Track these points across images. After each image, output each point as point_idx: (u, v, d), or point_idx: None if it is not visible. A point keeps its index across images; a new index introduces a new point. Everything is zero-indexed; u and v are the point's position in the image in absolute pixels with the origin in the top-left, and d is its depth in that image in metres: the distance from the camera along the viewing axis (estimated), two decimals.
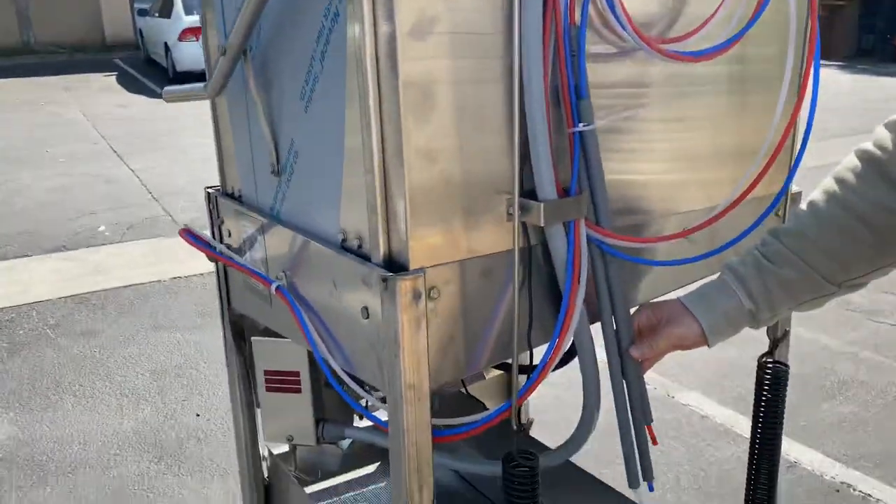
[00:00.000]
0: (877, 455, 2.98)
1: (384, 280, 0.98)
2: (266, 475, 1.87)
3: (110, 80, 15.11)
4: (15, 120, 11.26)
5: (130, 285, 5.01)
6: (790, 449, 3.03)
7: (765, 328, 1.38)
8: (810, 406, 3.38)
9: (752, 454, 1.40)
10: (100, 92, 13.73)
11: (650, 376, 3.74)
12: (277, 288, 1.31)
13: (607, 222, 1.10)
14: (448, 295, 1.04)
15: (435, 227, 1.01)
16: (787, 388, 1.36)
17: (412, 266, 1.00)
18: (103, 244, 5.92)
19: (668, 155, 1.25)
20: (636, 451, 1.23)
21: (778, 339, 1.37)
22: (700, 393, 3.50)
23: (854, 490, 2.76)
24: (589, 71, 1.06)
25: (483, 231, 1.05)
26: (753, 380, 3.57)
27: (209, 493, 2.81)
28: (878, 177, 1.07)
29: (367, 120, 0.97)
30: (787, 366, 1.34)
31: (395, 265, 1.01)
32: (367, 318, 1.06)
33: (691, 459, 2.98)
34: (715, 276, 1.21)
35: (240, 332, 1.73)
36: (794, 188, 1.42)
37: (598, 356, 1.17)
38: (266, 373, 1.56)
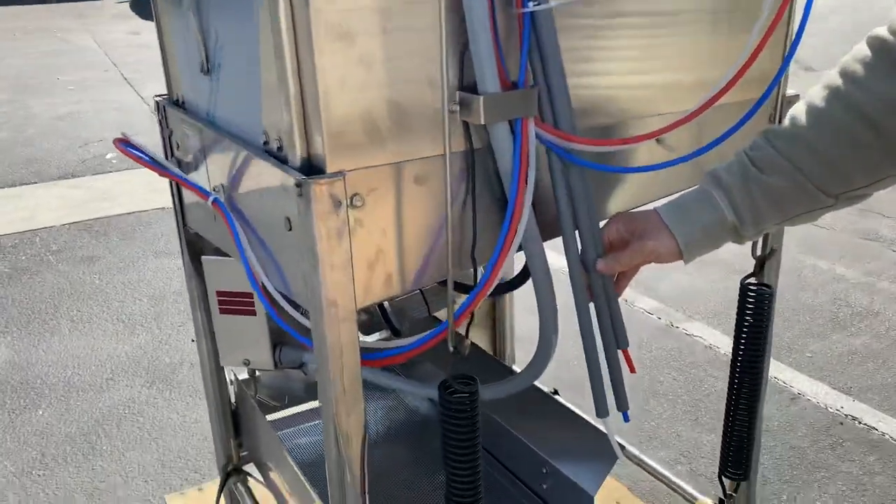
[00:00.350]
0: (886, 387, 2.87)
1: (298, 185, 0.87)
2: (233, 400, 1.81)
3: (123, 6, 14.84)
4: (27, 47, 11.13)
5: (134, 212, 4.96)
6: (795, 380, 2.93)
7: (750, 245, 1.25)
8: (820, 337, 3.25)
9: (731, 381, 1.29)
10: (112, 19, 13.51)
11: (654, 306, 3.64)
12: (214, 200, 1.21)
13: (567, 123, 0.97)
14: (374, 203, 0.92)
15: (357, 124, 0.88)
16: (772, 311, 1.24)
17: (329, 169, 0.88)
18: (110, 171, 5.86)
19: (643, 52, 1.10)
20: (603, 379, 1.13)
21: (764, 258, 1.24)
22: (704, 323, 3.39)
23: (859, 423, 2.66)
24: None
25: (416, 131, 0.93)
26: None
27: (197, 417, 2.79)
28: (893, 68, 0.91)
29: None
30: (770, 287, 1.22)
31: (312, 169, 0.90)
32: (290, 229, 0.95)
33: (690, 390, 2.89)
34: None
35: (197, 253, 1.64)
36: (790, 91, 1.27)
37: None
38: (218, 294, 1.48)
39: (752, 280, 1.22)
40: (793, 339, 3.25)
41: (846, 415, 2.71)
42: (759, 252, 1.23)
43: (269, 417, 1.79)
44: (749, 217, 1.02)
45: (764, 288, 1.21)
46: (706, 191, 1.05)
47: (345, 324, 0.93)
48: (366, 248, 0.93)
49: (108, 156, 6.26)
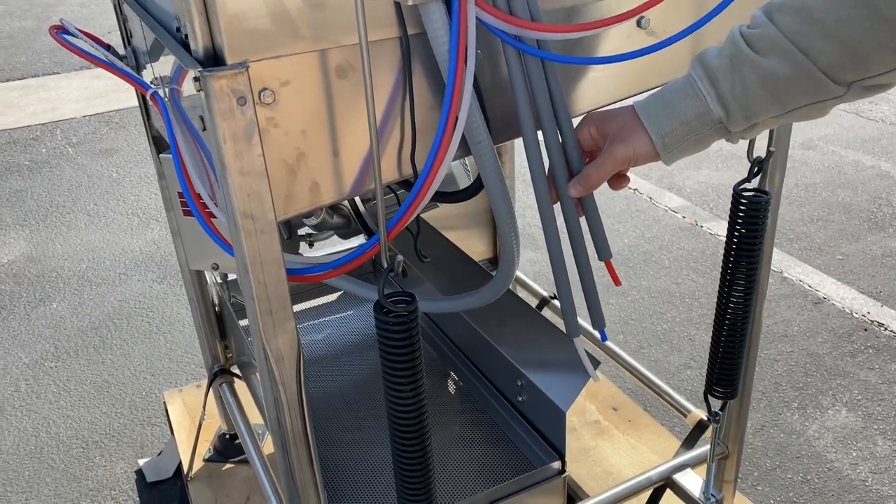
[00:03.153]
0: None
1: (196, 80, 0.76)
2: (216, 302, 1.77)
3: None
4: None
5: None
6: (822, 284, 2.79)
7: (745, 146, 1.10)
8: (852, 239, 3.08)
9: (720, 296, 1.18)
10: None
11: (680, 204, 3.46)
12: (152, 94, 1.10)
13: (521, 6, 0.83)
14: (289, 99, 0.81)
15: (261, 4, 0.76)
16: (767, 221, 1.10)
17: (230, 59, 0.77)
18: None
19: None
20: (581, 296, 1.03)
21: (761, 160, 1.10)
22: None
23: (885, 329, 2.53)
24: None
25: (335, 12, 0.80)
26: (797, 210, 3.26)
27: None
28: None
29: None
30: (767, 194, 1.08)
31: (215, 60, 0.78)
32: (204, 129, 0.85)
33: (709, 293, 2.78)
34: None
35: (162, 151, 1.56)
36: None
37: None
38: (179, 195, 1.40)
39: (747, 185, 1.08)
40: (825, 240, 3.08)
41: (871, 320, 2.58)
42: (755, 153, 1.08)
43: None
44: (738, 109, 0.86)
45: (760, 195, 1.07)
46: (689, 77, 0.89)
47: (263, 236, 0.83)
48: (283, 151, 0.83)
49: None
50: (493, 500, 1.21)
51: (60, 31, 1.24)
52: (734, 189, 1.09)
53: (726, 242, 1.13)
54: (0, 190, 3.84)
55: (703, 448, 1.50)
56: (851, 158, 3.77)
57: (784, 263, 2.93)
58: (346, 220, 1.53)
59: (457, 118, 0.83)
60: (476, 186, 1.06)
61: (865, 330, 2.54)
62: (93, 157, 4.17)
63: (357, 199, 1.51)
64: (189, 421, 2.03)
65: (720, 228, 3.19)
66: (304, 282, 0.94)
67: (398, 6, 0.82)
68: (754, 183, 1.12)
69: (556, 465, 1.25)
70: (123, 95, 5.05)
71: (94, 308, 2.86)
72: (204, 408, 1.88)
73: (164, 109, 1.06)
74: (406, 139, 0.90)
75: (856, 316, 2.61)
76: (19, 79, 5.55)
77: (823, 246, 3.04)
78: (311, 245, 1.69)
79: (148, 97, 1.11)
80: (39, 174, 4.00)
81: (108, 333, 2.71)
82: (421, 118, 0.89)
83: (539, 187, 0.97)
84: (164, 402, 2.10)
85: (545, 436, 1.31)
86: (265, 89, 0.79)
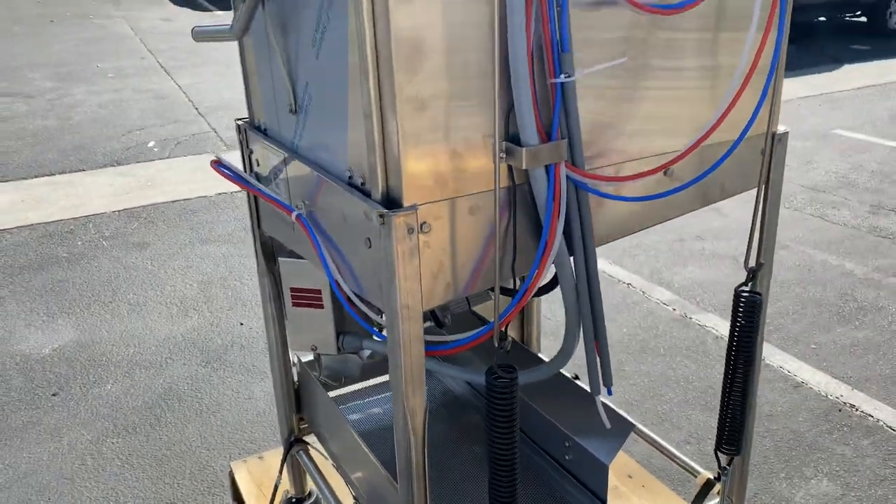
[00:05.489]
0: (884, 378, 3.09)
1: (381, 216, 1.12)
2: (296, 380, 2.08)
3: None
4: (67, 34, 11.47)
5: (178, 200, 5.26)
6: (799, 370, 3.16)
7: (743, 261, 1.49)
8: (825, 330, 3.47)
9: (726, 373, 1.53)
10: (147, 5, 13.82)
11: (669, 297, 3.84)
12: (297, 216, 1.46)
13: (582, 163, 1.22)
14: (438, 229, 1.17)
15: (426, 169, 1.14)
16: (761, 316, 1.47)
17: (406, 203, 1.13)
18: (153, 160, 6.17)
19: (647, 101, 1.34)
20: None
21: (755, 269, 1.48)
22: (718, 315, 3.62)
23: (856, 410, 2.89)
24: (574, 21, 1.15)
25: (471, 172, 1.18)
26: (774, 305, 3.68)
27: (249, 394, 3.08)
28: None
29: (364, 69, 1.09)
30: (760, 295, 1.46)
31: (391, 202, 1.15)
32: (370, 247, 1.21)
33: (701, 377, 3.13)
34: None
35: (270, 254, 1.90)
36: (780, 128, 1.50)
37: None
38: (292, 290, 1.74)
39: (745, 288, 1.46)
40: (800, 331, 3.47)
41: (845, 402, 2.94)
42: (751, 264, 1.46)
43: (332, 394, 2.06)
44: None
45: (755, 295, 1.44)
46: None
47: (413, 322, 1.19)
48: (431, 263, 1.19)
49: (150, 144, 6.56)
50: None
51: (218, 164, 1.61)
52: (735, 291, 1.47)
53: (729, 333, 1.50)
54: (43, 280, 4.14)
55: (713, 502, 1.82)
56: (819, 258, 4.22)
57: (766, 351, 3.30)
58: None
59: (552, 246, 1.20)
60: (551, 285, 1.42)
61: (840, 410, 2.90)
62: (127, 250, 4.50)
63: None
64: (256, 488, 2.30)
65: (707, 320, 3.57)
66: (437, 355, 1.28)
67: (509, 167, 1.20)
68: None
69: None
70: (149, 192, 5.43)
71: (145, 389, 3.13)
72: (281, 472, 2.16)
73: (311, 229, 1.43)
74: (507, 255, 1.26)
75: (830, 398, 2.97)
76: (48, 175, 5.91)
77: (799, 336, 3.43)
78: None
79: (293, 218, 1.48)
80: (78, 265, 4.32)
81: (162, 412, 2.98)
82: (520, 240, 1.26)
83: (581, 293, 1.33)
84: (231, 472, 2.37)
85: (590, 487, 1.63)
86: (425, 223, 1.16)
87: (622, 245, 4.41)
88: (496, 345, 1.20)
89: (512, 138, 1.18)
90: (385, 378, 2.32)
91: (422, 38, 1.07)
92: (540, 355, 2.30)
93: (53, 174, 5.93)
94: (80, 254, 4.47)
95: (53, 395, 3.13)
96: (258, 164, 1.73)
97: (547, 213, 1.19)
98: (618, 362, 3.25)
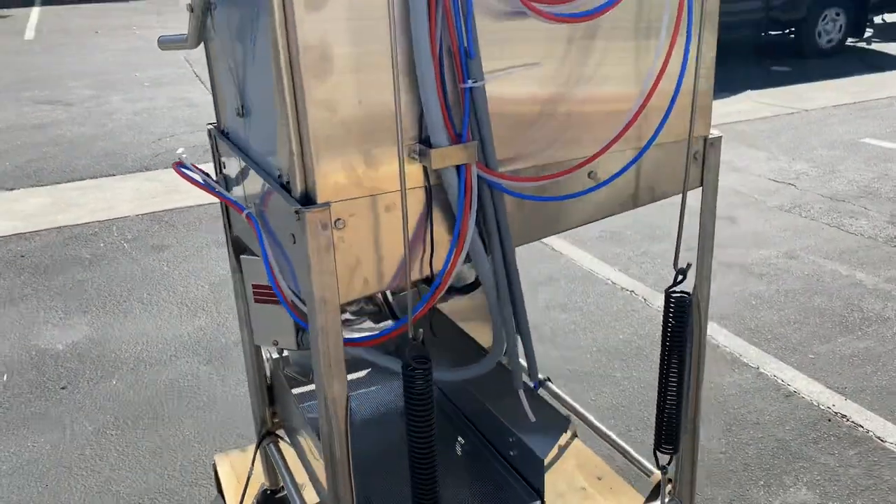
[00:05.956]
0: (880, 389, 3.04)
1: (297, 213, 1.19)
2: (268, 376, 2.16)
3: None
4: (109, 44, 11.88)
5: (200, 205, 5.42)
6: (794, 379, 3.13)
7: (672, 262, 1.51)
8: (825, 340, 3.43)
9: (660, 373, 1.56)
10: (187, 16, 14.20)
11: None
12: (247, 214, 1.54)
13: (495, 164, 1.27)
14: (354, 226, 1.24)
15: (339, 168, 1.20)
16: (692, 316, 1.50)
17: (319, 200, 1.20)
18: None
19: (568, 104, 1.38)
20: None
21: (683, 270, 1.51)
22: (717, 324, 3.60)
23: (846, 420, 2.85)
24: (490, 26, 1.20)
25: (385, 172, 1.24)
26: (776, 314, 3.66)
27: (244, 392, 3.17)
28: None
29: (279, 75, 1.16)
30: (689, 294, 1.48)
31: (308, 200, 1.22)
32: (294, 243, 1.28)
33: None
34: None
35: (240, 252, 1.99)
36: (714, 133, 1.52)
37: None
38: (254, 286, 1.82)
39: (675, 289, 1.49)
40: (800, 340, 3.43)
41: (836, 412, 2.90)
42: (679, 265, 1.49)
43: (298, 390, 2.14)
44: None
45: (684, 295, 1.47)
46: None
47: (330, 314, 1.25)
48: (347, 259, 1.25)
49: (179, 150, 6.76)
50: None
51: (180, 165, 1.70)
52: (665, 292, 1.50)
53: (662, 332, 1.52)
54: (64, 280, 4.31)
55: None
56: (830, 268, 4.16)
57: (761, 360, 3.28)
58: (378, 308, 1.94)
59: (463, 243, 1.25)
60: (474, 284, 1.48)
61: (829, 420, 2.86)
62: (145, 252, 4.66)
63: (388, 293, 1.93)
64: (235, 480, 2.38)
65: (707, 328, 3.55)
66: (352, 347, 1.34)
67: (424, 168, 1.26)
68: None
69: (537, 503, 1.60)
70: (175, 197, 5.60)
71: (148, 385, 3.25)
72: (252, 463, 2.24)
73: (258, 227, 1.50)
74: (426, 252, 1.32)
75: (822, 408, 2.94)
76: (79, 179, 6.14)
77: (798, 346, 3.39)
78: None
79: (244, 216, 1.55)
80: (99, 266, 4.49)
81: (162, 407, 3.09)
82: (436, 237, 1.31)
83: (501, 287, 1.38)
84: (214, 464, 2.46)
85: (529, 481, 1.67)
86: (339, 219, 1.22)
87: (630, 253, 4.41)
88: (410, 337, 1.25)
89: (425, 140, 1.24)
90: (355, 374, 2.39)
91: (328, 44, 1.14)
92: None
93: (84, 178, 6.15)
94: (102, 255, 4.64)
95: (62, 388, 3.27)
96: (224, 167, 1.81)
97: (459, 212, 1.24)
98: (609, 368, 3.26)
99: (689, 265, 1.52)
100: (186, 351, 3.52)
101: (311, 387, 2.25)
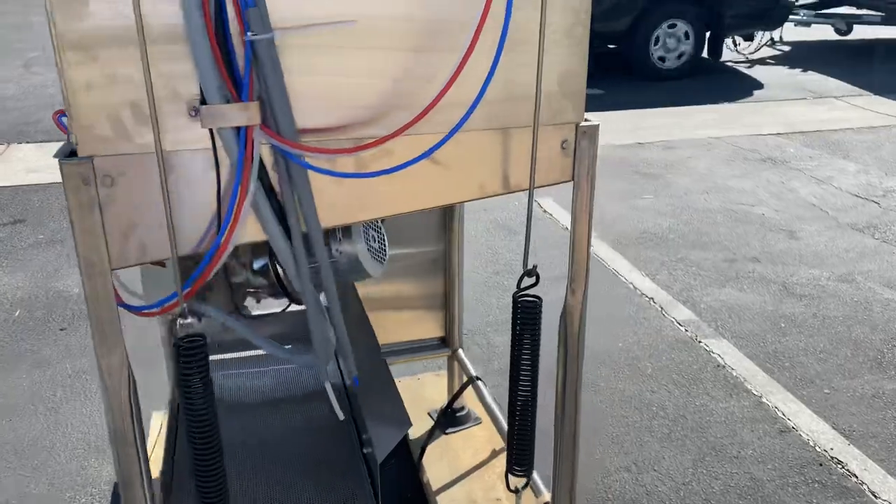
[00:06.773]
0: (893, 437, 2.68)
1: (60, 165, 1.11)
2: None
3: None
4: None
5: None
6: (796, 413, 2.81)
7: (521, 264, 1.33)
8: (849, 375, 3.06)
9: (510, 389, 1.39)
10: None
11: (687, 317, 3.54)
12: None
13: (289, 131, 1.14)
14: (126, 184, 1.15)
15: (103, 121, 1.11)
16: (541, 319, 1.32)
17: (80, 154, 1.12)
18: None
19: (369, 71, 1.22)
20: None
21: (531, 271, 1.32)
22: (732, 343, 3.29)
23: (841, 467, 2.53)
24: None
25: (162, 129, 1.13)
26: (804, 340, 3.32)
27: None
28: None
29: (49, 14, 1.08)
30: (538, 299, 1.30)
31: (73, 153, 1.14)
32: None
33: (678, 406, 2.86)
34: None
35: None
36: (589, 120, 1.33)
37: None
38: None
39: (523, 293, 1.30)
40: (819, 372, 3.08)
41: (831, 457, 2.58)
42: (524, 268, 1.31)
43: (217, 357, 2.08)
44: None
45: (529, 299, 1.29)
46: None
47: (100, 279, 1.17)
48: (119, 221, 1.16)
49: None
50: None
51: (61, 115, 1.66)
52: (513, 296, 1.32)
53: (511, 341, 1.35)
54: None
55: None
56: (884, 297, 3.72)
57: (766, 388, 2.97)
58: (269, 282, 1.85)
59: (240, 212, 1.14)
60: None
61: (821, 465, 2.54)
62: None
63: (280, 269, 1.83)
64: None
65: (717, 347, 3.26)
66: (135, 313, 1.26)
67: (211, 131, 1.15)
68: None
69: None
70: None
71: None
72: (159, 433, 2.22)
73: None
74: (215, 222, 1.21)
75: (817, 449, 2.62)
76: None
77: (815, 378, 3.04)
78: (258, 301, 2.01)
79: None
80: None
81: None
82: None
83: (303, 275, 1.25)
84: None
85: (374, 481, 1.54)
86: (107, 175, 1.13)
87: (664, 258, 4.11)
88: (178, 316, 1.16)
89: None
90: (259, 352, 2.31)
91: None
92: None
93: None
94: None
95: (61, 329, 3.39)
96: None
97: (237, 178, 1.13)
98: (595, 377, 3.04)
99: (535, 266, 1.33)
100: None
101: (228, 356, 2.20)
